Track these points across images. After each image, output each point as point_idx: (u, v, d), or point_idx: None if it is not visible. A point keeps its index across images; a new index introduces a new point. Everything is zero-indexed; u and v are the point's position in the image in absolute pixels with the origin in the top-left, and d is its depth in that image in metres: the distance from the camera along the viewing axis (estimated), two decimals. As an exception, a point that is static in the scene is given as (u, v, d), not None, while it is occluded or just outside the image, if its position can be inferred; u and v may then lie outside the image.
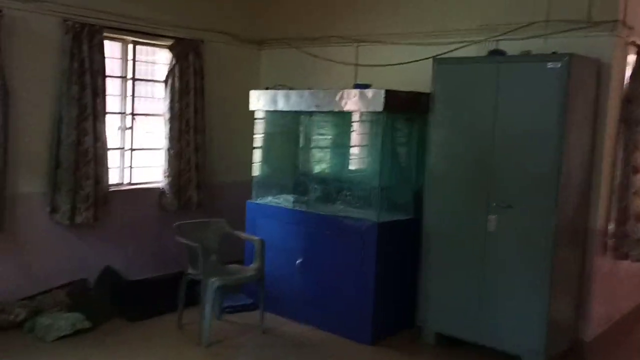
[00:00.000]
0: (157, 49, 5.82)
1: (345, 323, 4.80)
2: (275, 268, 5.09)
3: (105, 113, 5.19)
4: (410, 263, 4.89)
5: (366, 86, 4.85)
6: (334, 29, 5.88)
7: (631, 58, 4.67)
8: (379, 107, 4.55)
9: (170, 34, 5.65)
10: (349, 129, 5.39)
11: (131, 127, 5.63)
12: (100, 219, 5.22)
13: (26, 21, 4.72)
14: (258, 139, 5.65)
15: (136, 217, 5.62)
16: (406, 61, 5.25)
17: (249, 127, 5.67)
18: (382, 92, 4.53)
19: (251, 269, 4.89)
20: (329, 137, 5.59)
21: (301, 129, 5.69)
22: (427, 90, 4.69)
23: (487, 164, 4.38)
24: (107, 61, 5.20)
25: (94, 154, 5.05)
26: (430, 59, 4.72)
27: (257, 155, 5.66)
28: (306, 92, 5.03)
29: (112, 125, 5.44)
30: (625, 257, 4.74)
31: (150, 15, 5.49)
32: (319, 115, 5.40)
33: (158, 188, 5.79)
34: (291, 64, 6.24)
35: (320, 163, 5.68)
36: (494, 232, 4.35)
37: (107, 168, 5.24)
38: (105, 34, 5.13)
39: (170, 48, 5.66)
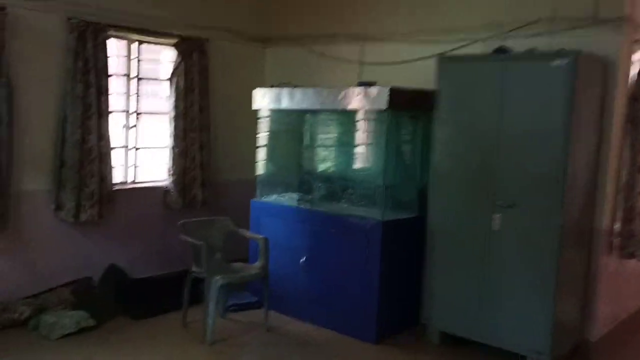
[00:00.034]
0: (162, 48, 5.81)
1: (349, 322, 4.79)
2: (279, 266, 5.09)
3: (109, 111, 5.20)
4: (415, 261, 4.87)
5: (370, 84, 4.83)
6: (339, 27, 5.86)
7: (638, 56, 4.63)
8: (383, 105, 4.54)
9: (175, 32, 5.64)
10: (354, 127, 5.37)
11: (136, 126, 5.63)
12: (105, 217, 5.22)
13: (30, 19, 4.72)
14: (262, 138, 5.65)
15: (141, 215, 5.63)
16: (411, 59, 5.23)
17: (254, 126, 5.66)
18: (387, 90, 4.51)
19: (255, 267, 4.88)
20: (334, 135, 5.57)
21: (305, 127, 5.67)
22: (433, 89, 4.66)
23: (492, 162, 4.36)
24: (111, 60, 5.20)
25: (98, 152, 5.06)
26: (435, 57, 4.70)
27: (261, 154, 5.66)
28: (310, 90, 5.02)
29: (116, 124, 5.44)
30: (631, 256, 4.71)
31: (155, 13, 5.49)
32: (323, 114, 5.39)
33: (163, 186, 5.79)
34: (296, 62, 6.23)
35: (325, 161, 5.67)
36: (498, 231, 4.33)
37: (111, 166, 5.25)
38: (109, 33, 5.13)
39: (175, 46, 5.65)
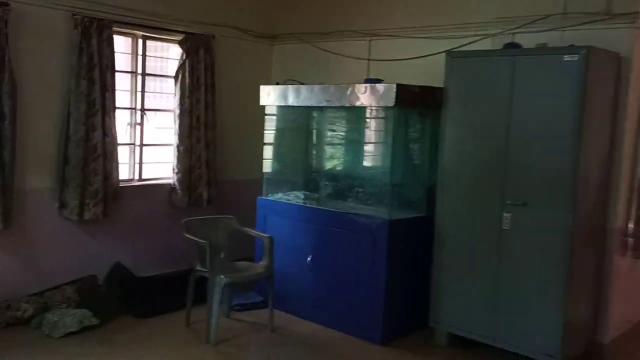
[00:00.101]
0: (168, 44, 5.77)
1: (355, 322, 4.72)
2: (285, 265, 5.02)
3: (114, 108, 5.16)
4: (422, 262, 4.78)
5: (378, 81, 4.76)
6: (347, 24, 5.79)
7: (652, 51, 4.52)
8: (390, 102, 4.47)
9: (181, 29, 5.60)
10: (361, 124, 5.30)
11: (141, 123, 5.59)
12: (110, 215, 5.18)
13: (34, 15, 4.69)
14: (269, 135, 5.59)
15: (146, 213, 5.59)
16: (420, 55, 5.15)
17: (261, 124, 5.60)
18: (394, 87, 4.44)
19: (260, 266, 4.82)
20: (340, 133, 5.50)
21: (312, 124, 5.61)
22: (442, 86, 4.58)
23: (501, 160, 4.27)
24: (116, 56, 5.16)
25: (102, 149, 5.02)
26: (444, 53, 4.62)
27: (267, 151, 5.61)
28: (316, 87, 4.95)
29: (121, 121, 5.40)
30: (646, 257, 4.60)
31: (161, 9, 5.45)
32: (330, 111, 5.32)
33: (168, 184, 5.75)
34: (303, 59, 6.17)
35: (331, 159, 5.60)
36: (508, 231, 4.24)
37: (116, 164, 5.21)
38: (114, 29, 5.10)
39: (181, 43, 5.60)
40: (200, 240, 4.53)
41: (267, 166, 5.60)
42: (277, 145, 5.63)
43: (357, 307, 4.71)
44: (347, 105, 4.78)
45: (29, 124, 4.72)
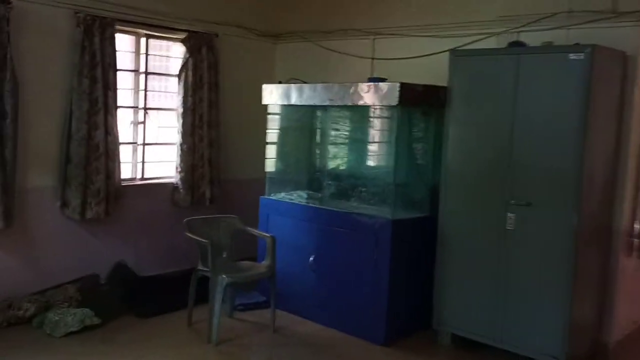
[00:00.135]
0: (171, 43, 5.75)
1: (357, 322, 4.69)
2: (287, 265, 5.00)
3: (116, 107, 5.14)
4: (426, 262, 4.74)
5: (381, 80, 4.72)
6: (350, 22, 5.76)
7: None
8: (394, 101, 4.44)
9: (184, 27, 5.58)
10: (364, 124, 5.26)
11: (144, 122, 5.57)
12: (112, 214, 5.17)
13: (36, 13, 4.67)
14: (271, 134, 5.57)
15: (148, 212, 5.57)
16: (424, 54, 5.12)
17: (264, 122, 5.58)
18: (397, 86, 4.41)
19: (262, 266, 4.80)
20: (343, 132, 5.47)
21: (315, 123, 5.58)
22: (446, 84, 4.54)
23: (505, 160, 4.23)
24: (119, 54, 5.15)
25: (105, 148, 5.01)
26: (448, 52, 4.58)
27: (270, 151, 5.58)
28: (319, 86, 4.92)
29: (124, 120, 5.38)
30: (652, 257, 4.57)
31: (164, 8, 5.43)
32: (333, 110, 5.29)
33: (171, 183, 5.73)
34: (307, 58, 6.15)
35: (334, 159, 5.57)
36: (512, 231, 4.20)
37: (119, 163, 5.19)
38: (117, 27, 5.08)
39: (184, 41, 5.58)
40: (202, 240, 4.51)
41: (270, 165, 5.58)
42: (280, 144, 5.61)
43: (359, 307, 4.68)
44: (350, 104, 4.75)
45: (31, 122, 4.71)
